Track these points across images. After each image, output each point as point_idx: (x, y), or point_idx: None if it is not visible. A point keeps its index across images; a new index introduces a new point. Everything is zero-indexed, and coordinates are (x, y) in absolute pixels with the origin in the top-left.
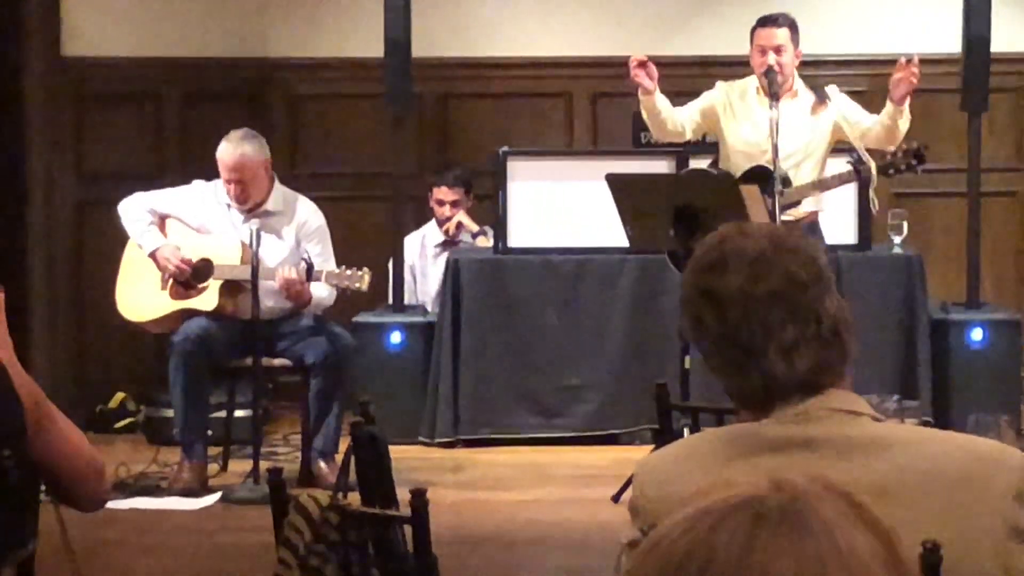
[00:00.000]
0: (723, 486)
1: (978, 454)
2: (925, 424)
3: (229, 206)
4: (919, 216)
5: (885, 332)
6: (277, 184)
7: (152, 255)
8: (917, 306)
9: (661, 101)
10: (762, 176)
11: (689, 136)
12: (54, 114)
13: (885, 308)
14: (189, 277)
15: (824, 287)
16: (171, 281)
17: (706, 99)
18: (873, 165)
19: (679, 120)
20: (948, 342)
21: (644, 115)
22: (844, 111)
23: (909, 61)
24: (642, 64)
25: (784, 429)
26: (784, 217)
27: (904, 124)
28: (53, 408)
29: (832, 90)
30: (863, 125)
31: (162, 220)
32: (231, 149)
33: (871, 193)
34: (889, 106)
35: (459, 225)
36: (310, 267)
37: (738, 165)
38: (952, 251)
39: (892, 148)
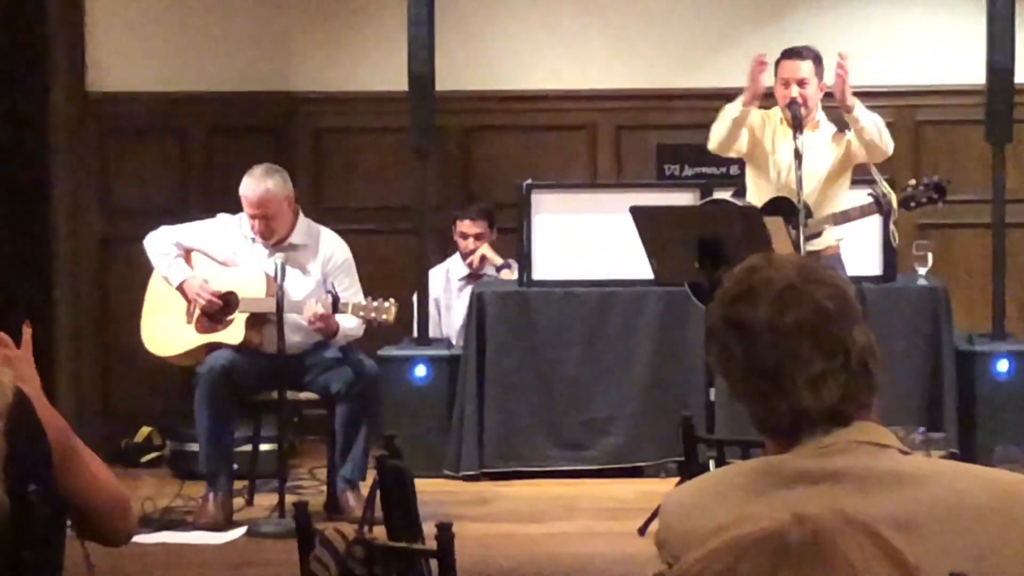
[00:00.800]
0: (746, 520)
1: (1006, 488)
2: (951, 456)
3: (254, 240)
4: (944, 247)
5: (910, 364)
6: (301, 217)
7: (180, 287)
8: (942, 337)
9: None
10: (782, 207)
11: (737, 154)
12: (79, 149)
13: (910, 339)
14: (215, 310)
15: (852, 319)
16: (196, 314)
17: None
18: (894, 197)
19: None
20: (974, 373)
21: (727, 124)
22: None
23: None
24: (764, 64)
25: (811, 462)
26: (807, 248)
27: (869, 126)
28: (79, 443)
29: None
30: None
31: (187, 253)
32: (254, 185)
33: (891, 226)
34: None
35: (483, 258)
36: (336, 299)
37: (761, 194)
38: (977, 282)
39: (913, 181)
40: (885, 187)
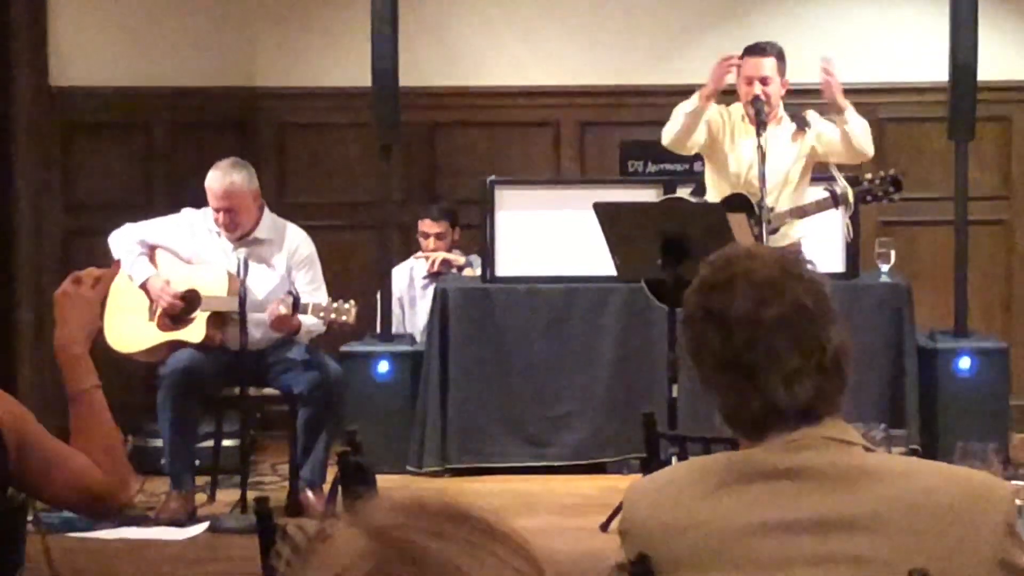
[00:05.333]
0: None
1: (968, 487)
2: (912, 453)
3: (219, 234)
4: (907, 244)
5: (872, 361)
6: (267, 212)
7: (143, 286)
8: (904, 334)
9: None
10: (741, 203)
11: (696, 150)
12: (42, 144)
13: (872, 336)
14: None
15: (830, 317)
16: (159, 312)
17: (707, 114)
18: (850, 191)
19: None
20: (936, 370)
21: (680, 119)
22: (819, 129)
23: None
24: (731, 65)
25: (777, 457)
26: (769, 245)
27: (857, 130)
28: (40, 432)
29: (812, 116)
30: (829, 136)
31: (152, 251)
32: (220, 178)
33: (846, 220)
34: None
35: (444, 262)
36: (296, 300)
37: (721, 192)
38: (940, 279)
39: (869, 175)
40: (843, 182)
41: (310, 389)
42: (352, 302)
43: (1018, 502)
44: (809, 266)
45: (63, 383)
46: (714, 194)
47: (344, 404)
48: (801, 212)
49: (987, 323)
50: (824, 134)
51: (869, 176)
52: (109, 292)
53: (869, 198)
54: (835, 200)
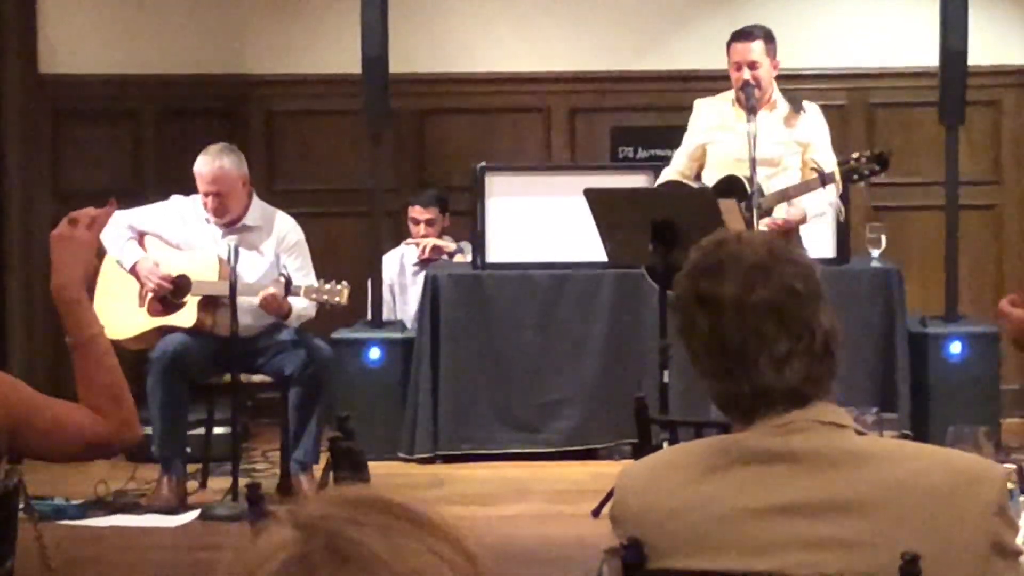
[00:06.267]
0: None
1: (960, 469)
2: (904, 436)
3: (208, 220)
4: (897, 229)
5: (864, 345)
6: (256, 199)
7: (132, 270)
8: (896, 319)
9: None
10: (734, 185)
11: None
12: (31, 131)
13: (864, 321)
14: (168, 294)
15: (819, 300)
16: (149, 298)
17: (690, 141)
18: (838, 171)
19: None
20: (927, 355)
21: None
22: (815, 141)
23: None
24: None
25: (768, 440)
26: (761, 228)
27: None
28: (35, 397)
29: (811, 108)
30: (812, 163)
31: (141, 237)
32: (209, 162)
33: (837, 201)
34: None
35: (435, 248)
36: (288, 282)
37: (715, 176)
38: (930, 264)
39: (856, 154)
40: (831, 159)
41: (300, 369)
42: (344, 283)
43: (1009, 485)
44: (800, 251)
45: (65, 331)
46: (709, 179)
47: (334, 384)
48: (788, 195)
49: (978, 308)
50: (814, 151)
51: (856, 155)
52: (99, 276)
53: (856, 176)
54: (823, 179)
